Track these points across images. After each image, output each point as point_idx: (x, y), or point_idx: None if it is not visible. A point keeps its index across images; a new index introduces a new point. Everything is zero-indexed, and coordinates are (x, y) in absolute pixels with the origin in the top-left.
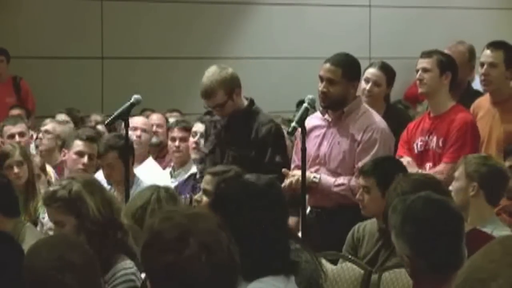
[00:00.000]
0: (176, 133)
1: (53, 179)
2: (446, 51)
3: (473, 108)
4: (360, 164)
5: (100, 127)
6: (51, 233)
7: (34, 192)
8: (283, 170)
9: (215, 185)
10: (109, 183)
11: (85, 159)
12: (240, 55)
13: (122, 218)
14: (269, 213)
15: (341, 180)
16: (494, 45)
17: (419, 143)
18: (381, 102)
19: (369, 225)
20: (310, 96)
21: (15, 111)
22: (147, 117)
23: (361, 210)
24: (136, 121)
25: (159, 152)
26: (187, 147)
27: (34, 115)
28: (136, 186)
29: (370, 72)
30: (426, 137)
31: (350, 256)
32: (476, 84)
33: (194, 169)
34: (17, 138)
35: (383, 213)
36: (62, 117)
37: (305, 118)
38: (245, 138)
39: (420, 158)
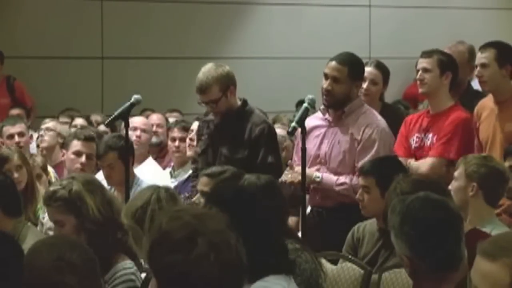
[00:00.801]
0: (175, 133)
1: (53, 179)
2: (446, 51)
3: (477, 109)
4: (360, 163)
5: (102, 128)
6: (51, 233)
7: (33, 195)
8: (289, 161)
9: (213, 186)
10: (109, 183)
11: (83, 158)
12: (240, 55)
13: (122, 218)
14: (269, 213)
15: (343, 179)
16: (484, 46)
17: (415, 139)
18: (377, 101)
19: (369, 225)
20: (310, 96)
21: (15, 111)
22: (147, 117)
23: (361, 210)
24: (136, 121)
25: (159, 152)
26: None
27: (34, 115)
28: (136, 186)
29: (367, 71)
30: (422, 135)
31: (350, 256)
32: (476, 84)
33: None
34: (16, 138)
35: (383, 213)
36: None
37: (305, 118)
38: (238, 138)
39: (416, 154)
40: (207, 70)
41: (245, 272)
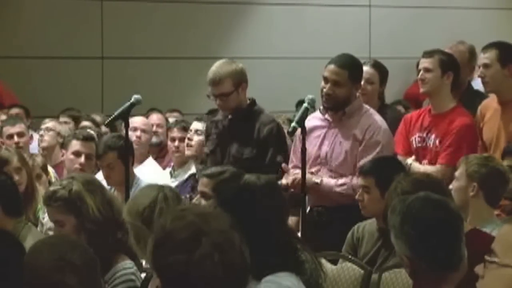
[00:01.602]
0: (175, 133)
1: (53, 179)
2: (446, 51)
3: (481, 109)
4: (360, 163)
5: (103, 128)
6: (51, 233)
7: (33, 196)
8: (283, 165)
9: (214, 187)
10: (109, 183)
11: (82, 158)
12: (240, 55)
13: (125, 217)
14: (270, 213)
15: (343, 180)
16: (486, 46)
17: (417, 139)
18: (375, 100)
19: (369, 225)
20: (310, 96)
21: (14, 111)
22: (147, 117)
23: (360, 210)
24: (136, 121)
25: (159, 152)
26: None
27: (24, 114)
28: (136, 186)
29: (363, 70)
30: (424, 134)
31: (350, 256)
32: (477, 84)
33: (193, 169)
34: (15, 138)
35: (383, 213)
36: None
37: (305, 118)
38: (246, 138)
39: (418, 154)
40: (221, 63)
41: (249, 272)
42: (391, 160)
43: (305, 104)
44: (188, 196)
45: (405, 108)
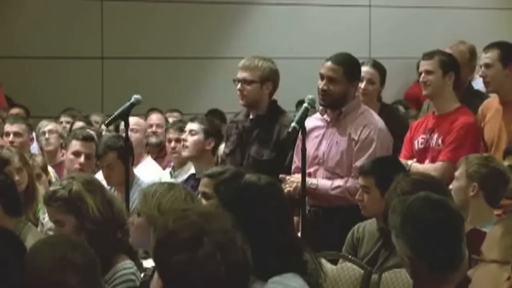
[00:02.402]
0: (171, 134)
1: (53, 179)
2: (447, 50)
3: (482, 109)
4: (357, 163)
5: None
6: (51, 233)
7: (33, 196)
8: (280, 176)
9: (214, 187)
10: (109, 183)
11: (82, 158)
12: (240, 55)
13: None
14: (270, 213)
15: (337, 182)
16: (488, 46)
17: (420, 140)
18: (375, 101)
19: (369, 225)
20: (310, 96)
21: (14, 110)
22: (147, 117)
23: (361, 210)
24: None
25: (159, 152)
26: None
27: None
28: (136, 186)
29: (364, 70)
30: (428, 135)
31: (350, 256)
32: (477, 84)
33: (193, 169)
34: (11, 137)
35: (383, 213)
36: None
37: (305, 118)
38: (266, 139)
39: (419, 155)
40: (261, 57)
41: (251, 272)
42: (391, 160)
43: (305, 104)
44: None
45: (405, 108)
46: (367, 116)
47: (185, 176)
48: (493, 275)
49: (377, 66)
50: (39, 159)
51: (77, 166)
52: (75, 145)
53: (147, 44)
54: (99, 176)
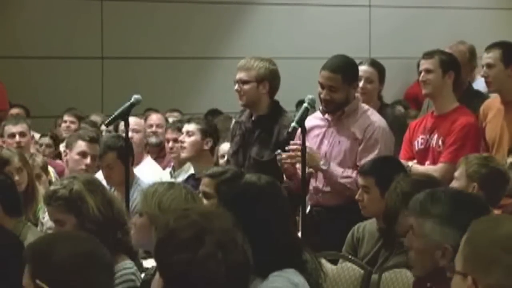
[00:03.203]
0: (169, 134)
1: (53, 179)
2: (447, 50)
3: (483, 109)
4: (362, 161)
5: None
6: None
7: (33, 196)
8: (277, 152)
9: (215, 187)
10: (108, 183)
11: (88, 160)
12: (240, 55)
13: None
14: (270, 213)
15: (348, 172)
16: (490, 46)
17: (420, 141)
18: (375, 100)
19: (369, 225)
20: (310, 96)
21: (14, 111)
22: (147, 117)
23: (361, 210)
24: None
25: (159, 152)
26: None
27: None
28: (136, 186)
29: (362, 69)
30: (427, 135)
31: (350, 256)
32: (477, 84)
33: (193, 169)
34: (17, 138)
35: (383, 213)
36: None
37: (305, 118)
38: (266, 140)
39: (420, 156)
40: (259, 57)
41: (252, 271)
42: (391, 160)
43: (305, 104)
44: None
45: (405, 108)
46: (370, 115)
47: (185, 176)
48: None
49: (375, 65)
50: (39, 159)
51: (82, 167)
52: (82, 146)
53: (147, 44)
54: (99, 176)
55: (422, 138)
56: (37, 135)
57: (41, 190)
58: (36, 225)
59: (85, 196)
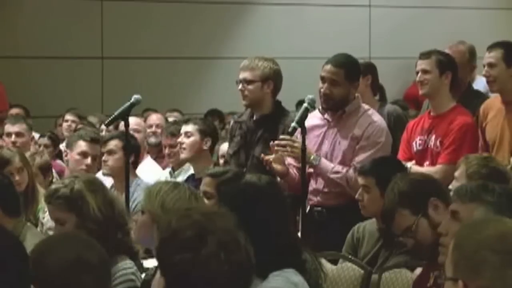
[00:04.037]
0: (164, 140)
1: (54, 179)
2: (447, 50)
3: (484, 108)
4: (358, 158)
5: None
6: (51, 232)
7: (34, 196)
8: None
9: (216, 186)
10: (105, 169)
11: (89, 160)
12: (240, 55)
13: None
14: (270, 213)
15: (339, 168)
16: (492, 46)
17: (418, 142)
18: (375, 100)
19: (369, 225)
20: (310, 96)
21: (14, 111)
22: (146, 117)
23: (360, 210)
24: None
25: (159, 152)
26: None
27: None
28: (136, 186)
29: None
30: (425, 136)
31: (350, 256)
32: (477, 84)
33: (193, 169)
34: (13, 137)
35: (381, 213)
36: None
37: (305, 118)
38: (269, 140)
39: (419, 157)
40: (263, 57)
41: (253, 271)
42: (391, 160)
43: (305, 104)
44: None
45: (403, 108)
46: (370, 115)
47: (185, 176)
48: None
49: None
50: (39, 158)
51: (83, 167)
52: (82, 146)
53: (147, 44)
54: (100, 176)
55: (420, 139)
56: (36, 135)
57: (41, 190)
58: (36, 225)
59: (86, 196)
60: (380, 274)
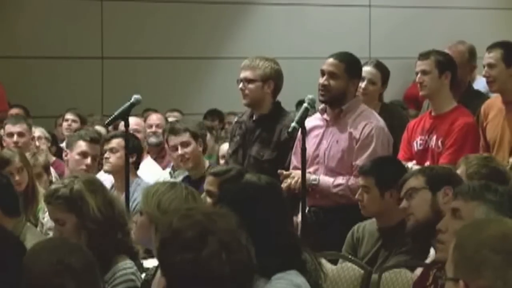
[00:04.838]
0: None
1: (53, 179)
2: (446, 51)
3: (484, 108)
4: (357, 162)
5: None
6: (51, 233)
7: (34, 196)
8: (279, 171)
9: (219, 185)
10: (105, 166)
11: (89, 160)
12: (240, 55)
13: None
14: (270, 213)
15: (339, 180)
16: (492, 46)
17: (419, 142)
18: (376, 101)
19: (369, 225)
20: (310, 96)
21: (14, 111)
22: (146, 117)
23: (360, 210)
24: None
25: (159, 153)
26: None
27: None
28: (136, 186)
29: (365, 70)
30: (426, 136)
31: (350, 256)
32: (477, 84)
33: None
34: (15, 137)
35: (380, 213)
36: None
37: (305, 118)
38: (267, 139)
39: (419, 157)
40: (264, 57)
41: (254, 271)
42: (391, 160)
43: (305, 104)
44: None
45: (403, 108)
46: (367, 115)
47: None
48: None
49: (380, 67)
50: (41, 158)
51: (83, 167)
52: (82, 146)
53: (147, 44)
54: (100, 176)
55: (421, 139)
56: (37, 132)
57: (41, 190)
58: (36, 225)
59: (86, 196)
60: (380, 274)
